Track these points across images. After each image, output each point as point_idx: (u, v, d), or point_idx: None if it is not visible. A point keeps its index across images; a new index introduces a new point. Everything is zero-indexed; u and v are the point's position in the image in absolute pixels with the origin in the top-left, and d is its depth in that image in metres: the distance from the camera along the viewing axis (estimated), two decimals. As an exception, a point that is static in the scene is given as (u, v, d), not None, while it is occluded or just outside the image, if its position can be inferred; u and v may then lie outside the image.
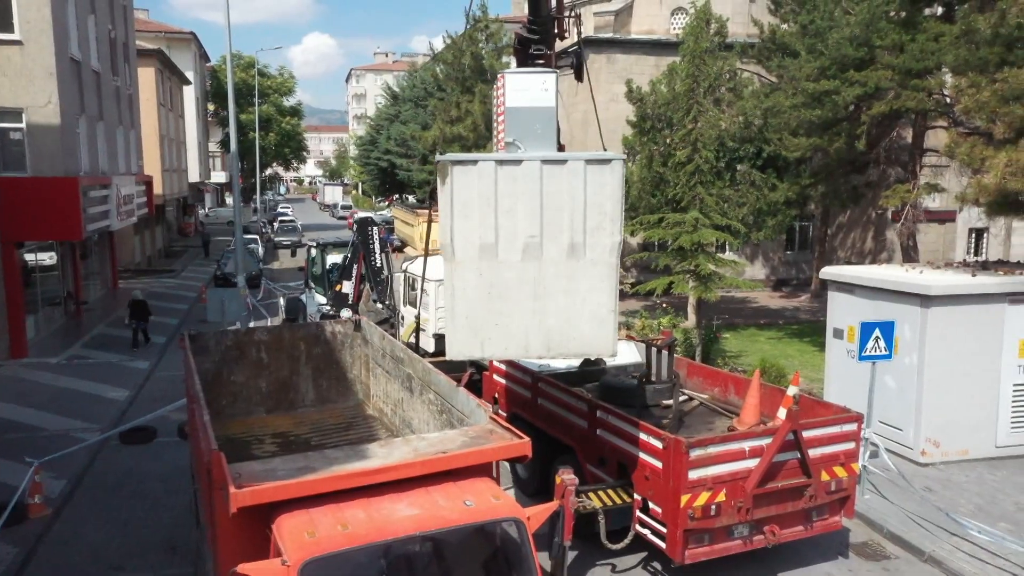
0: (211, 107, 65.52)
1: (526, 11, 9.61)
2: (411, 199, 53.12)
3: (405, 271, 16.01)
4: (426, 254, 9.61)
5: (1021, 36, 13.07)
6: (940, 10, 18.26)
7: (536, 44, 9.67)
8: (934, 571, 9.28)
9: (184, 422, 13.12)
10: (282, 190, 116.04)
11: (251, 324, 22.25)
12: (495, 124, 8.23)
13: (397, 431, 9.68)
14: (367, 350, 11.01)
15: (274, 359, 10.82)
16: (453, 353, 7.62)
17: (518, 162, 7.32)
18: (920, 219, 19.99)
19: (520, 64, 10.55)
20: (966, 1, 17.31)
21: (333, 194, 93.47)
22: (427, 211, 33.95)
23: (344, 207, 78.24)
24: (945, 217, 29.35)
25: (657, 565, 9.20)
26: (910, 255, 19.07)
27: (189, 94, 51.85)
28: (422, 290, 15.06)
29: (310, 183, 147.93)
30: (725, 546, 8.41)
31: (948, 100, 16.33)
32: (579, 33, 9.94)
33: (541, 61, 9.80)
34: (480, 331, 7.48)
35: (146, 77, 35.95)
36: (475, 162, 7.33)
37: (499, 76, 7.87)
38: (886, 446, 12.09)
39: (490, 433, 6.50)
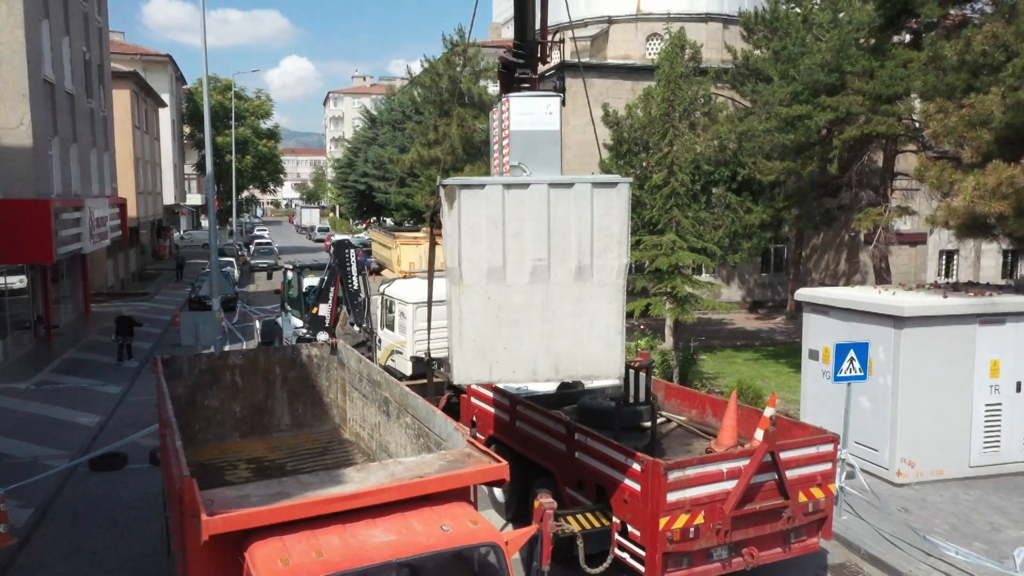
0: (187, 129, 65.18)
1: (511, 36, 9.73)
2: (389, 221, 53.06)
3: (383, 294, 15.94)
4: (430, 277, 9.48)
5: (986, 63, 13.38)
6: (908, 37, 18.68)
7: (521, 68, 9.81)
8: (911, 592, 9.31)
9: (156, 448, 12.91)
10: (259, 213, 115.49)
11: (226, 348, 22.02)
12: (495, 147, 8.31)
13: (374, 455, 9.57)
14: (344, 373, 10.91)
15: (249, 383, 10.69)
16: (461, 378, 7.62)
17: (525, 185, 7.39)
18: (892, 241, 20.29)
19: (505, 88, 10.66)
20: (933, 28, 17.75)
21: (310, 217, 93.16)
22: (406, 234, 33.98)
23: (321, 230, 77.96)
24: (916, 239, 29.81)
25: (636, 588, 9.13)
26: (882, 277, 19.33)
27: (165, 116, 51.62)
28: (424, 312, 14.93)
29: (287, 206, 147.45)
30: (704, 569, 8.37)
31: (917, 125, 16.65)
32: (561, 56, 10.07)
33: (526, 85, 9.95)
34: (488, 355, 7.48)
35: (121, 99, 35.74)
36: (483, 186, 7.35)
37: (503, 100, 7.94)
38: (862, 466, 12.16)
39: (468, 457, 6.44)
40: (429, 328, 11.21)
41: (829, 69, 16.77)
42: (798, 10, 19.95)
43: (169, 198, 53.94)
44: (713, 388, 18.01)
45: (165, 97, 49.91)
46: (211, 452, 10.14)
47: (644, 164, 21.47)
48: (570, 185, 7.37)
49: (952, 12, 16.92)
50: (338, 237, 51.89)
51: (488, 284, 7.36)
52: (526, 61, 9.82)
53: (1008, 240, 14.12)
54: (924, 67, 15.41)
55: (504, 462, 6.22)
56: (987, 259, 30.46)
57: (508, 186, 7.32)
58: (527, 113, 7.87)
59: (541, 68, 10.40)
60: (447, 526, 5.61)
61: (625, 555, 8.48)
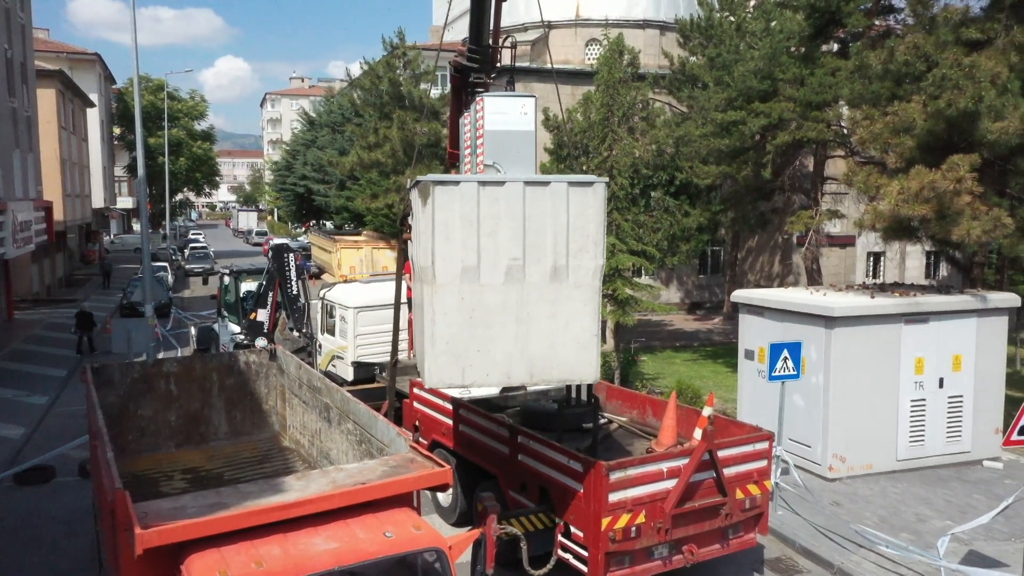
0: (117, 130, 63.16)
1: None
2: (329, 225, 52.35)
3: (323, 298, 15.73)
4: (398, 282, 9.29)
5: (908, 72, 13.94)
6: (836, 46, 19.33)
7: (476, 72, 9.83)
8: (843, 583, 9.62)
9: (85, 460, 12.46)
10: (194, 216, 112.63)
11: (160, 355, 21.42)
12: (467, 147, 8.22)
13: (315, 463, 9.44)
14: (283, 380, 10.73)
15: (184, 391, 10.43)
16: (433, 382, 7.36)
17: (501, 183, 7.25)
18: (823, 243, 20.96)
19: (456, 93, 10.67)
20: (859, 38, 18.41)
21: (247, 220, 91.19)
22: (346, 238, 33.59)
23: (259, 233, 76.36)
24: (846, 242, 30.85)
25: (579, 588, 9.21)
26: (814, 278, 19.94)
27: (93, 117, 49.92)
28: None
29: (223, 208, 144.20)
30: (645, 567, 8.49)
31: (845, 131, 17.23)
32: (512, 60, 10.13)
33: (480, 88, 9.98)
34: (461, 357, 7.24)
35: (46, 99, 34.43)
36: (457, 183, 7.18)
37: (478, 99, 7.87)
38: (796, 462, 12.51)
39: (411, 462, 6.41)
40: (396, 332, 10.97)
41: (762, 76, 17.25)
42: (732, 18, 20.43)
43: (98, 201, 52.18)
44: (653, 389, 18.29)
45: (93, 97, 48.25)
46: (145, 463, 9.87)
47: (584, 168, 21.72)
48: (546, 184, 7.28)
49: (876, 23, 17.56)
50: (277, 241, 51.03)
51: (462, 284, 7.15)
52: (480, 66, 9.87)
53: (931, 242, 14.72)
54: (851, 75, 15.96)
55: (447, 466, 6.22)
56: (912, 260, 31.68)
57: (483, 183, 7.17)
58: (502, 113, 7.80)
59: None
60: (390, 532, 5.58)
61: (568, 556, 8.55)
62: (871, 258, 32.15)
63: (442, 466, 6.19)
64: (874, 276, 31.90)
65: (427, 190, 7.13)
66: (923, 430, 12.95)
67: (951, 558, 9.75)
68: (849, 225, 24.62)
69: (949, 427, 13.11)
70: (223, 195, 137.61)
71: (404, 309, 14.56)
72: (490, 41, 9.73)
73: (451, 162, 11.91)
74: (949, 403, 13.06)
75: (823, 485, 12.31)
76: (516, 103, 7.88)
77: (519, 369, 7.39)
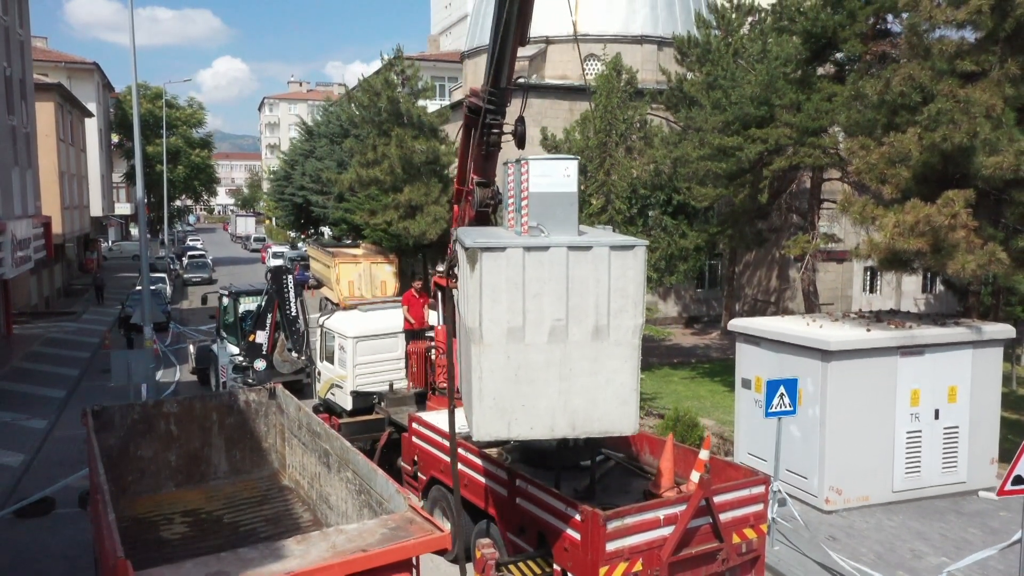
0: (115, 137, 63.18)
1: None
2: (327, 234, 52.33)
3: (322, 326, 15.78)
4: (449, 332, 9.36)
5: (904, 103, 14.01)
6: (833, 69, 19.41)
7: (492, 114, 9.97)
8: (839, 624, 9.69)
9: (85, 491, 12.49)
10: (191, 220, 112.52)
11: (159, 374, 21.46)
12: (510, 204, 8.44)
13: (314, 505, 9.51)
14: (282, 419, 10.79)
15: (184, 431, 10.50)
16: (480, 434, 7.74)
17: (545, 248, 7.58)
18: (820, 259, 21.05)
19: (469, 130, 10.79)
20: (856, 61, 18.51)
21: (246, 225, 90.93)
22: (345, 251, 33.61)
23: (257, 239, 76.23)
24: (843, 256, 30.89)
25: (577, 632, 9.26)
26: (811, 300, 20.03)
27: (92, 126, 49.96)
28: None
29: (221, 212, 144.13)
30: (643, 613, 8.55)
31: (842, 157, 17.32)
32: (523, 103, 10.24)
33: (496, 131, 10.12)
34: (507, 412, 7.63)
35: (45, 113, 34.47)
36: (504, 248, 7.50)
37: (523, 162, 8.16)
38: (793, 494, 12.61)
39: (410, 524, 6.48)
40: (452, 382, 10.83)
41: (759, 102, 17.34)
42: (729, 40, 20.52)
43: (97, 210, 52.21)
44: (651, 410, 18.37)
45: (91, 106, 48.30)
46: (145, 504, 9.93)
47: (583, 188, 21.83)
48: (588, 248, 7.60)
49: (872, 47, 17.64)
50: (275, 262, 51.14)
51: (508, 344, 7.53)
52: (496, 108, 10.01)
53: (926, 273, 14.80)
54: (847, 101, 16.05)
55: (447, 531, 6.29)
56: (908, 283, 31.80)
57: (528, 248, 7.52)
58: (546, 175, 8.02)
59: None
60: (390, 604, 5.64)
61: (566, 602, 8.61)
62: (868, 272, 32.25)
63: (442, 530, 6.26)
64: (871, 291, 32.02)
65: (475, 256, 7.46)
66: (919, 461, 13.02)
67: (946, 597, 9.85)
68: (847, 239, 24.76)
69: (945, 458, 13.18)
70: (221, 198, 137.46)
71: (401, 339, 14.65)
72: (508, 84, 9.86)
73: (457, 198, 11.96)
74: (945, 434, 13.13)
75: (820, 518, 12.38)
76: (560, 166, 8.10)
77: (562, 422, 7.76)
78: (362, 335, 14.50)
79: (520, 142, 10.41)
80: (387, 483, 7.31)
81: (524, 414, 7.65)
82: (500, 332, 7.51)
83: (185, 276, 48.76)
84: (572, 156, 8.55)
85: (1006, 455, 14.00)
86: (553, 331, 7.59)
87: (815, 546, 11.10)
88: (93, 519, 8.51)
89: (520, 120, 10.30)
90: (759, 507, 9.24)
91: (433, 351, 13.43)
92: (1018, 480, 8.11)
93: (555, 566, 8.73)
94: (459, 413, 11.99)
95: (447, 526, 10.88)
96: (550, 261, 7.54)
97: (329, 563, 5.75)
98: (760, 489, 9.26)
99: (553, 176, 8.06)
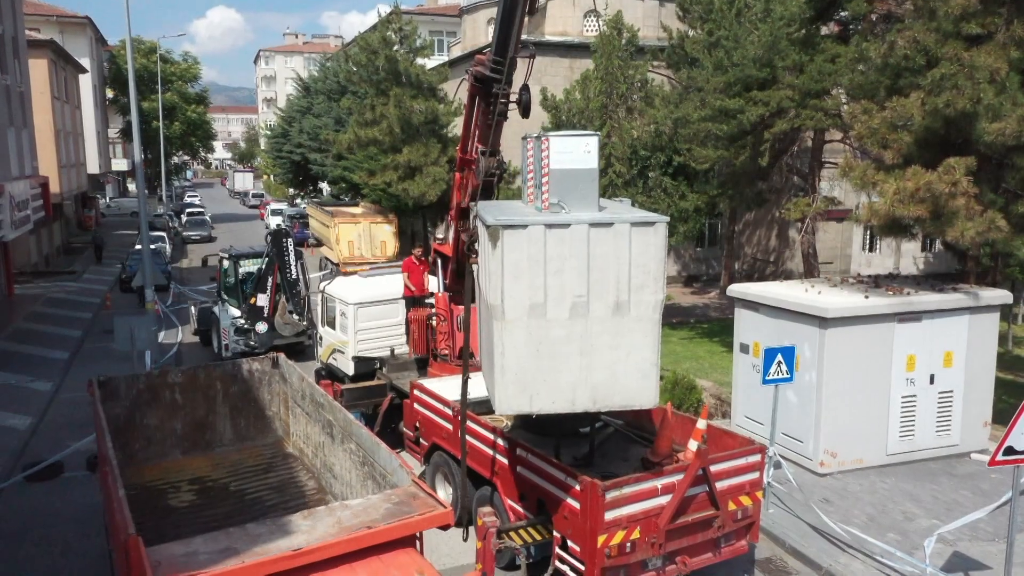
0: (110, 93, 62.47)
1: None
2: (325, 191, 52.04)
3: (323, 292, 15.85)
4: (467, 308, 9.40)
5: (908, 66, 13.86)
6: (836, 28, 19.13)
7: (499, 84, 9.91)
8: (831, 586, 9.96)
9: (93, 454, 12.70)
10: (189, 175, 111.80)
11: (161, 335, 21.60)
12: (530, 180, 8.44)
13: (318, 474, 9.69)
14: (286, 388, 10.92)
15: (189, 400, 10.64)
16: (502, 409, 7.94)
17: (567, 225, 7.65)
18: (820, 219, 21.01)
19: (474, 100, 10.71)
20: (860, 20, 18.23)
21: (243, 181, 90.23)
22: (344, 210, 33.51)
23: (256, 195, 75.77)
24: (843, 215, 30.82)
25: (576, 594, 9.53)
26: (810, 262, 20.06)
27: (86, 82, 49.37)
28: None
29: (218, 167, 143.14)
30: (640, 577, 8.80)
31: (843, 121, 17.18)
32: (528, 71, 10.14)
33: (504, 100, 10.06)
34: (528, 387, 7.78)
35: (38, 70, 34.02)
36: (525, 226, 7.58)
37: (543, 139, 8.14)
38: (789, 456, 12.85)
39: (413, 498, 6.62)
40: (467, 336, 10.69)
41: (761, 64, 17.13)
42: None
43: (94, 167, 51.92)
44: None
45: (85, 62, 47.67)
46: (153, 472, 10.11)
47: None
48: (610, 224, 7.67)
49: (877, 5, 17.35)
50: (274, 219, 50.80)
51: (529, 320, 7.64)
52: (503, 78, 9.93)
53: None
54: (851, 63, 15.87)
55: (449, 507, 6.44)
56: (907, 243, 31.68)
57: (550, 226, 7.59)
58: (566, 152, 8.03)
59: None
60: (394, 579, 5.81)
61: (565, 567, 8.84)
62: (867, 231, 32.21)
63: (444, 507, 6.40)
64: (871, 249, 32.04)
65: (497, 233, 7.54)
66: (913, 425, 13.21)
67: (936, 559, 10.09)
68: (847, 198, 24.70)
69: (939, 421, 13.37)
70: (218, 152, 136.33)
71: (401, 305, 14.73)
72: (513, 52, 9.78)
73: (460, 166, 11.91)
74: (939, 398, 13.29)
75: (814, 480, 12.62)
76: (580, 142, 8.10)
77: (583, 397, 7.92)
78: (363, 301, 14.58)
79: (525, 111, 10.32)
80: (390, 457, 7.45)
81: (546, 389, 7.80)
82: (522, 309, 7.62)
83: (184, 234, 48.68)
84: (592, 132, 8.55)
85: (999, 416, 14.22)
86: (574, 307, 7.69)
87: (808, 508, 11.33)
88: (104, 492, 8.69)
89: (525, 88, 10.20)
90: (755, 475, 9.44)
91: (434, 318, 13.52)
92: (1009, 451, 8.26)
93: (555, 533, 8.95)
94: (459, 381, 12.18)
95: (449, 502, 11.18)
96: (571, 238, 7.61)
97: (336, 539, 5.90)
98: (756, 458, 9.44)
99: (574, 152, 8.06)
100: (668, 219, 8.10)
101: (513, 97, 10.45)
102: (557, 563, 8.96)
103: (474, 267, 9.44)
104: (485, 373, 9.22)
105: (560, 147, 8.06)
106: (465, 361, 9.30)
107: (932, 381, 13.22)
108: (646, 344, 7.86)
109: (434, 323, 13.49)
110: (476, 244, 9.05)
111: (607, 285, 7.71)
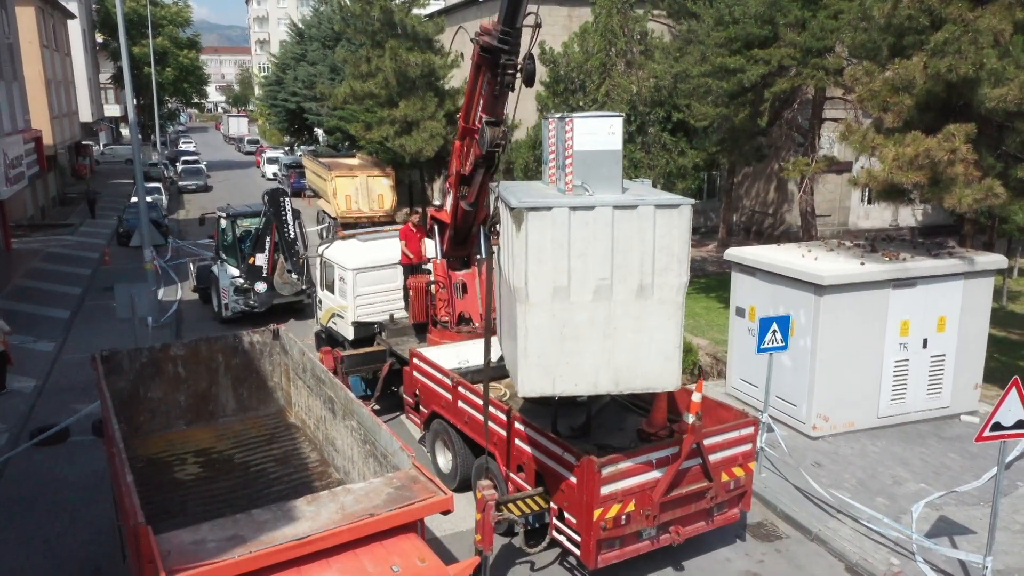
0: (100, 37, 61.23)
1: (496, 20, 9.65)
2: (321, 139, 51.48)
3: (321, 256, 15.88)
4: (488, 296, 9.40)
5: (912, 26, 13.64)
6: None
7: (507, 55, 9.75)
8: (819, 550, 10.27)
9: (99, 419, 12.91)
10: (183, 119, 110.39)
11: (160, 292, 21.67)
12: (552, 160, 8.36)
13: (320, 446, 9.90)
14: (286, 359, 11.06)
15: (192, 372, 10.78)
16: (525, 390, 7.98)
17: (591, 208, 7.62)
18: (820, 175, 20.90)
19: (479, 70, 10.54)
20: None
21: (238, 126, 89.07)
22: (341, 161, 33.26)
23: (251, 142, 74.94)
24: (842, 168, 30.61)
25: (573, 560, 9.85)
26: (808, 220, 20.05)
27: (74, 28, 48.39)
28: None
29: (212, 110, 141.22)
30: (635, 548, 9.08)
31: (844, 79, 16.95)
32: (532, 39, 9.96)
33: (511, 71, 9.91)
34: (552, 369, 7.84)
35: (26, 18, 33.33)
36: (549, 208, 7.54)
37: (567, 119, 8.03)
38: (782, 419, 13.10)
39: (414, 483, 6.80)
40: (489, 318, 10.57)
41: (763, 21, 16.83)
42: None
43: (86, 115, 51.25)
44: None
45: (72, 6, 46.64)
46: (158, 444, 10.32)
47: (580, 104, 21.44)
48: (634, 207, 7.64)
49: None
50: (270, 168, 50.14)
51: (553, 302, 7.67)
52: (511, 48, 9.77)
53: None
54: (854, 22, 15.60)
55: (450, 493, 6.61)
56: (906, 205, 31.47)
57: (574, 208, 7.55)
58: (590, 133, 7.95)
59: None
60: (396, 566, 6.01)
61: (562, 538, 9.12)
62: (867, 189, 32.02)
63: (445, 493, 6.58)
64: (869, 202, 31.89)
65: (521, 216, 7.52)
66: (905, 388, 13.41)
67: (922, 523, 10.40)
68: (847, 152, 24.46)
69: (930, 384, 13.56)
70: (212, 95, 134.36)
71: (399, 271, 14.77)
72: (521, 22, 9.59)
73: (462, 134, 11.82)
74: (932, 362, 13.46)
75: (806, 444, 12.88)
76: (604, 123, 8.01)
77: (605, 379, 7.97)
78: (362, 267, 14.63)
79: (529, 80, 10.16)
80: (391, 439, 7.61)
81: (568, 371, 7.84)
82: (546, 291, 7.64)
83: (180, 184, 48.33)
84: (616, 113, 8.40)
85: (990, 375, 14.47)
86: (598, 290, 7.71)
87: (799, 473, 11.61)
88: (111, 471, 8.87)
89: (529, 57, 10.00)
90: (748, 447, 9.65)
91: (433, 285, 13.59)
92: (997, 427, 8.44)
93: (552, 504, 9.19)
94: (457, 350, 12.27)
95: (449, 468, 11.42)
96: (595, 220, 7.58)
97: (339, 528, 6.08)
98: (749, 430, 9.64)
99: (598, 134, 7.98)
100: (693, 201, 8.03)
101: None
102: (554, 533, 9.24)
103: (495, 249, 9.43)
104: (507, 356, 9.28)
105: (584, 128, 7.97)
106: (487, 349, 9.19)
107: (925, 345, 13.38)
108: (669, 327, 7.88)
109: (433, 290, 13.57)
110: (498, 226, 9.00)
111: (631, 268, 7.70)
